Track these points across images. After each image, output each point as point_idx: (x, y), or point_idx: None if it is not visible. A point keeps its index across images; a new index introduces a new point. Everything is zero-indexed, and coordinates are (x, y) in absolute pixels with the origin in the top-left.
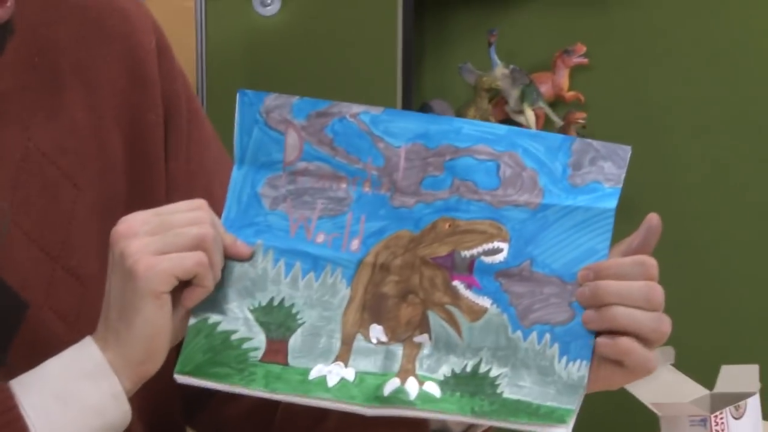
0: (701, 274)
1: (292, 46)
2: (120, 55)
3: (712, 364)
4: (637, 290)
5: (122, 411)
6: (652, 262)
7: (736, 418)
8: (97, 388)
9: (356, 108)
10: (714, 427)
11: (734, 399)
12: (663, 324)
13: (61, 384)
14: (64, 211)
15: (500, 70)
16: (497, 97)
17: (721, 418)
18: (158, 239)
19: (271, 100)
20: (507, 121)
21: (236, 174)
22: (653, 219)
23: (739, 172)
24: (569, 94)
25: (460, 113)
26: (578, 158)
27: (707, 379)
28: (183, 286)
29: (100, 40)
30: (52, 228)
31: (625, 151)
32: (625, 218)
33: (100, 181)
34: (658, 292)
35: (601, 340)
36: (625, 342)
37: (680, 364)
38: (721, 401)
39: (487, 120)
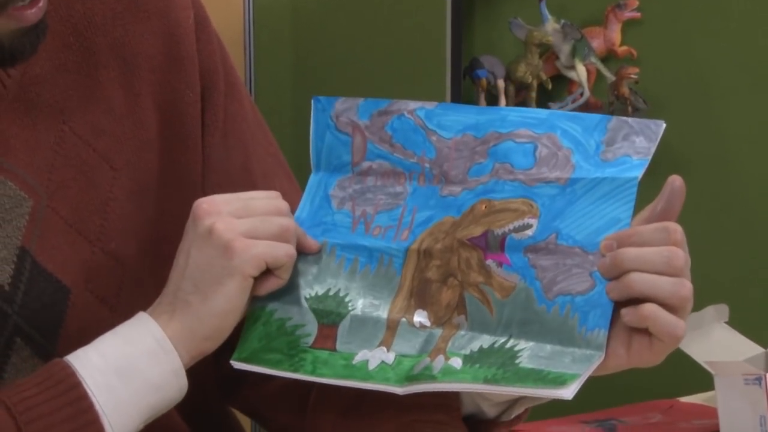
0: (754, 231)
1: (340, 4)
2: (157, 32)
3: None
4: (656, 255)
5: (180, 386)
6: (675, 227)
7: None
8: (158, 365)
9: (413, 104)
10: None
11: None
12: (683, 288)
13: (122, 361)
14: (102, 194)
15: (551, 24)
16: (548, 53)
17: None
18: (248, 222)
19: (340, 104)
20: (558, 77)
21: (313, 179)
22: (676, 181)
23: None
24: (621, 49)
25: (510, 69)
26: (612, 135)
27: (763, 337)
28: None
29: (136, 17)
30: (89, 211)
31: (658, 126)
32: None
33: (137, 162)
34: (679, 256)
35: (624, 309)
36: (647, 307)
37: (734, 322)
38: None
39: (538, 75)
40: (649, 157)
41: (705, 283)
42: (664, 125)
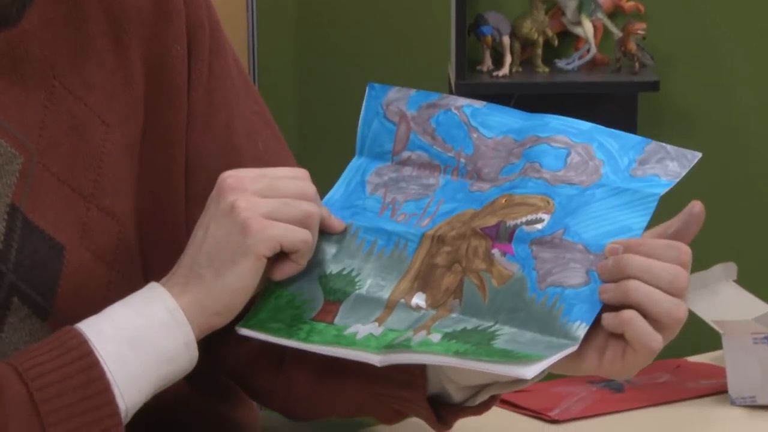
0: (763, 188)
1: None
2: None
3: None
4: (662, 270)
5: (191, 358)
6: (686, 249)
7: None
8: (170, 336)
9: (462, 101)
10: None
11: None
12: (680, 310)
13: (134, 331)
14: (94, 150)
15: None
16: (554, 9)
17: None
18: (271, 203)
19: (393, 93)
20: (564, 33)
21: (354, 163)
22: (696, 206)
23: None
24: (628, 5)
25: (515, 25)
26: (647, 156)
27: None
28: (275, 255)
29: None
30: (82, 167)
31: (694, 156)
32: (680, 133)
33: (128, 116)
34: (684, 278)
35: (606, 314)
36: (628, 313)
37: (743, 281)
38: None
39: (544, 32)
40: (677, 180)
41: (713, 240)
42: (700, 156)
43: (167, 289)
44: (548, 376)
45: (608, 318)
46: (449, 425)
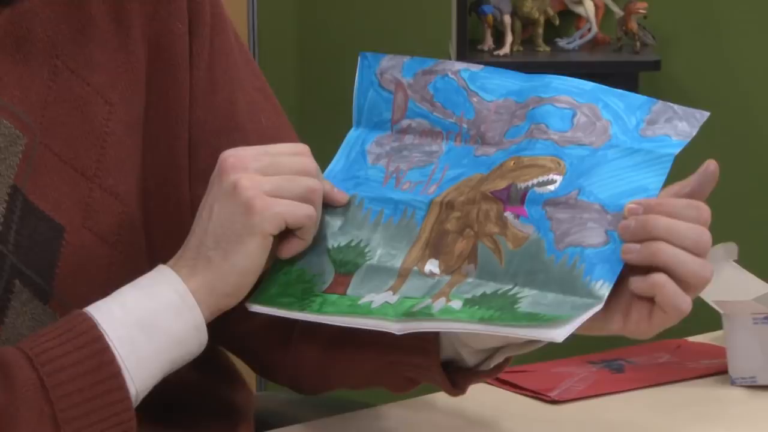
0: (766, 169)
1: None
2: None
3: None
4: (688, 230)
5: (201, 341)
6: (706, 208)
7: None
8: (180, 319)
9: (458, 65)
10: None
11: None
12: (707, 270)
13: (144, 314)
14: (98, 129)
15: None
16: None
17: None
18: (274, 181)
19: (386, 61)
20: (565, 12)
21: (352, 133)
22: (711, 165)
23: None
24: None
25: (516, 4)
26: (655, 116)
27: None
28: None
29: None
30: (85, 147)
31: (703, 116)
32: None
33: (131, 96)
34: (707, 238)
35: (634, 276)
36: (659, 277)
37: (743, 260)
38: None
39: (545, 11)
40: (689, 140)
41: (714, 220)
42: (708, 114)
43: (176, 271)
44: (548, 356)
45: (638, 282)
46: (463, 390)
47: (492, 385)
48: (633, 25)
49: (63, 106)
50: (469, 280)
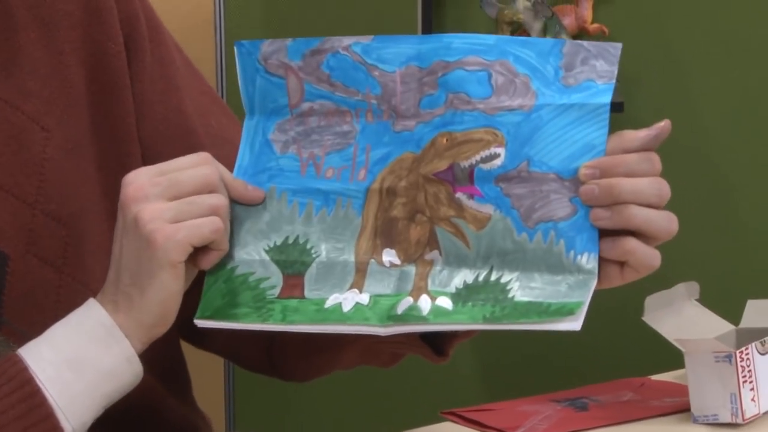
0: (726, 208)
1: None
2: None
3: (738, 299)
4: (650, 187)
5: (135, 372)
6: (657, 158)
7: (761, 354)
8: (109, 353)
9: (347, 40)
10: (739, 363)
11: (760, 334)
12: (673, 223)
13: (72, 350)
14: (35, 156)
15: (522, 2)
16: (519, 30)
17: (747, 354)
18: (174, 206)
19: (267, 46)
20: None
21: (248, 123)
22: (668, 124)
23: (763, 107)
24: (593, 27)
25: None
26: (570, 60)
27: (732, 314)
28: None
29: None
30: (25, 174)
31: (616, 48)
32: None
33: (68, 120)
34: (666, 188)
35: (603, 244)
36: (630, 242)
37: (705, 300)
38: (746, 336)
39: None
40: (613, 81)
41: (675, 259)
42: (621, 46)
43: (102, 306)
44: (513, 394)
45: (609, 249)
46: (447, 355)
47: (458, 423)
48: None
49: None
50: (438, 267)
